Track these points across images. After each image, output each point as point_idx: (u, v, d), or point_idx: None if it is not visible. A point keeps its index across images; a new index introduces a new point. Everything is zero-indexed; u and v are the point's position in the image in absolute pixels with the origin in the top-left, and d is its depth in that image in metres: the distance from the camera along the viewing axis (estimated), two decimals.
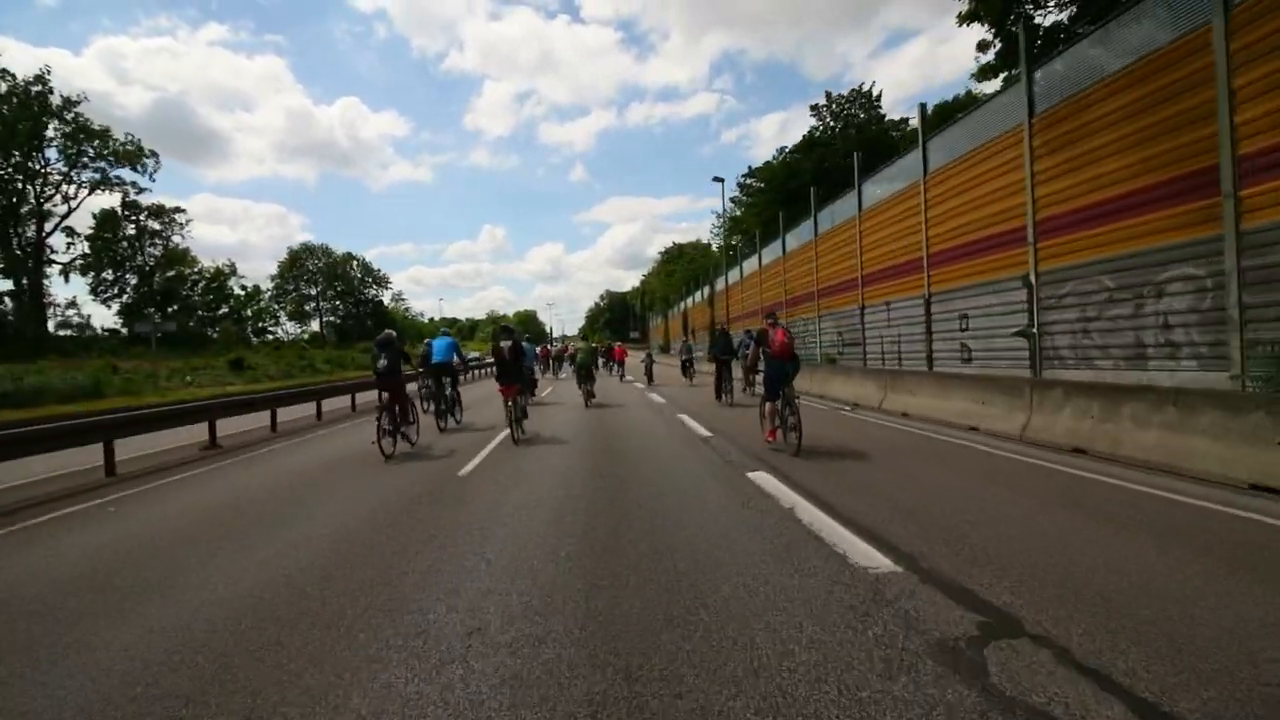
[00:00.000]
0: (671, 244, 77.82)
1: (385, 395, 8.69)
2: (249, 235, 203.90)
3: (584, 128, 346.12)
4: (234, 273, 65.03)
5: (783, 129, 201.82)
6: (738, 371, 14.87)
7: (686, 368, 22.76)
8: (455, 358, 12.15)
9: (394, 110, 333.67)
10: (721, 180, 29.74)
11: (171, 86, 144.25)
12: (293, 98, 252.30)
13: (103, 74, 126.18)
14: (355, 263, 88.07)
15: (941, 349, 14.03)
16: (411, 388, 10.76)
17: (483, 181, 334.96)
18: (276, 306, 76.17)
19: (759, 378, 8.66)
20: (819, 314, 21.55)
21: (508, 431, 9.43)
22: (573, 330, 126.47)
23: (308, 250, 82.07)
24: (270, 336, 70.46)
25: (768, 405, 8.03)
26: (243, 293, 68.64)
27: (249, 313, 69.40)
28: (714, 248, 60.49)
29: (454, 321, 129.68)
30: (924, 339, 14.60)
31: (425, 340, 13.94)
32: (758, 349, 7.99)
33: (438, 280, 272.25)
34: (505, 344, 9.57)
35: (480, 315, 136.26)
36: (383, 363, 8.82)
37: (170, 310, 54.00)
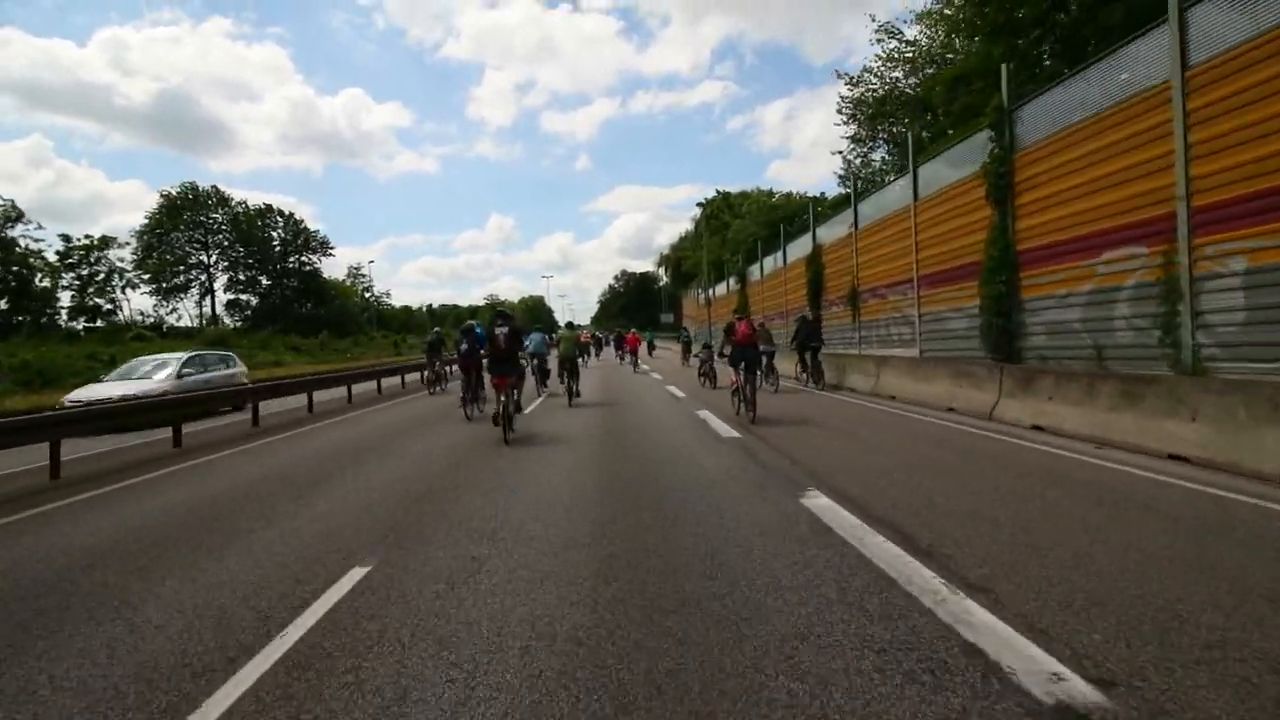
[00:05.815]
0: (715, 192, 56.65)
1: (464, 372, 11.50)
2: None
3: (587, 117, 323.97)
4: (18, 218, 43.67)
5: (788, 117, 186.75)
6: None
7: (771, 370, 14.57)
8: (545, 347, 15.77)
9: (398, 101, 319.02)
10: None
11: (174, 78, 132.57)
12: (295, 88, 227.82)
13: (106, 66, 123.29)
14: (278, 217, 64.62)
15: None
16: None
17: (489, 171, 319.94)
18: (136, 275, 54.37)
19: (713, 363, 14.53)
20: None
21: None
22: (584, 319, 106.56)
23: (195, 195, 58.34)
24: (104, 321, 49.10)
25: (732, 381, 10.00)
26: (61, 252, 47.23)
27: (52, 282, 47.45)
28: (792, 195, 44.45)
29: (454, 308, 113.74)
30: None
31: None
32: (726, 338, 9.98)
33: (448, 271, 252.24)
34: (501, 330, 8.92)
35: (481, 302, 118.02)
36: (464, 346, 11.32)
37: None
